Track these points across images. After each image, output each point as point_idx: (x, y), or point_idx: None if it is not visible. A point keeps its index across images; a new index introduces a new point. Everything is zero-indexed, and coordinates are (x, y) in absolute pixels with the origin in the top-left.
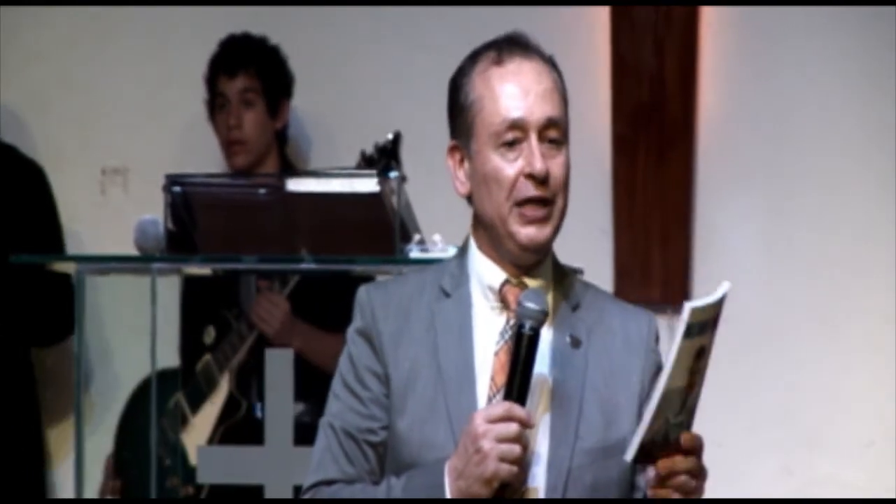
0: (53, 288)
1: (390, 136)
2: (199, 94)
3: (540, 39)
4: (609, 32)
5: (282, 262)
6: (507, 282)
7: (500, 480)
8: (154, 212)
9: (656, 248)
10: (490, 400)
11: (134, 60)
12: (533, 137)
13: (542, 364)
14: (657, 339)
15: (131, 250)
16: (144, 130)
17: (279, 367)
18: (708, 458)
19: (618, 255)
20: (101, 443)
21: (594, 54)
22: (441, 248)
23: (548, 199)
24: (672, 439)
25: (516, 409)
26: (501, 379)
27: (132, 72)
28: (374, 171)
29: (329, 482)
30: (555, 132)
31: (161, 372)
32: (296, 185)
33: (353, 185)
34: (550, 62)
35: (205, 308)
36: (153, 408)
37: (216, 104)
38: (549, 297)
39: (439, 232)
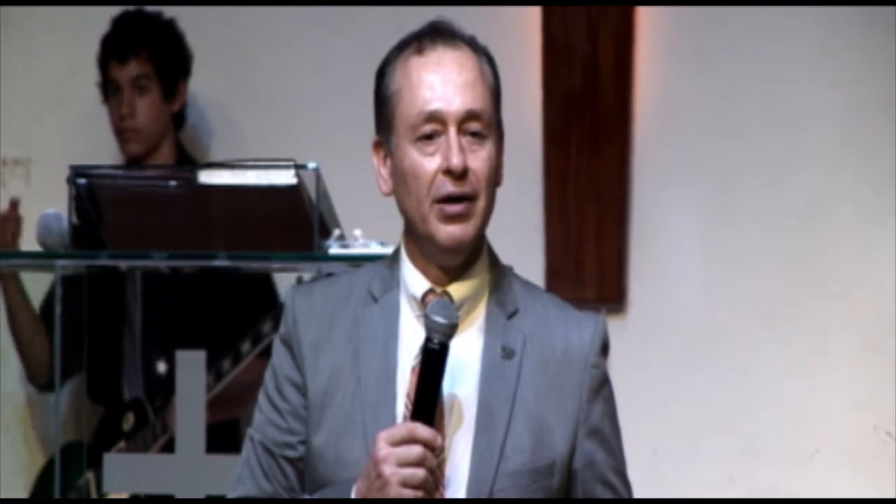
0: None
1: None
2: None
3: (467, 20)
4: (540, 13)
5: (193, 258)
6: (430, 291)
7: None
8: (58, 205)
9: (590, 245)
10: (404, 419)
11: (37, 45)
12: (452, 130)
13: (471, 377)
14: (604, 348)
15: (34, 246)
16: (47, 119)
17: (190, 370)
18: (644, 466)
19: (549, 251)
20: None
21: (524, 37)
22: (362, 243)
23: (468, 195)
24: None
25: (419, 430)
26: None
27: (34, 57)
28: (290, 162)
29: (246, 500)
30: (477, 125)
31: (68, 444)
32: (208, 177)
33: (269, 177)
34: (481, 52)
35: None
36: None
37: (108, 89)
38: (482, 304)
39: (360, 227)
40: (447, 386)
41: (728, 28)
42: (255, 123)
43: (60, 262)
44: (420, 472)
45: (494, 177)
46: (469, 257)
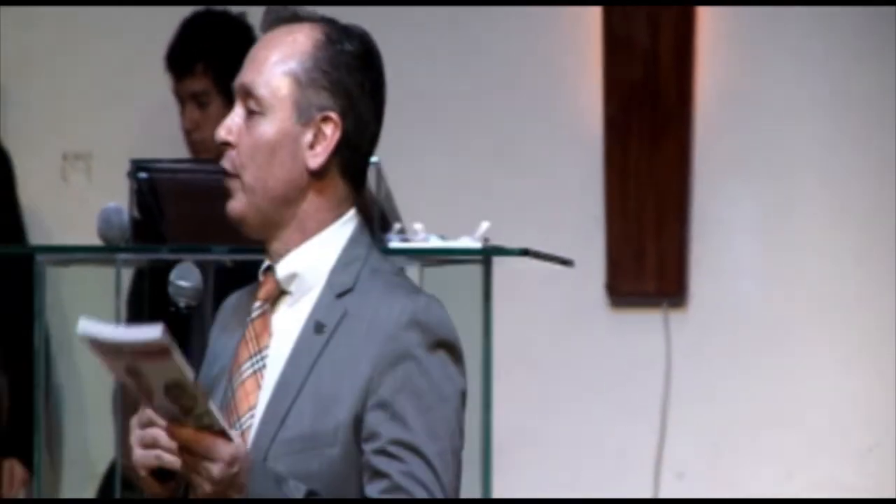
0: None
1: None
2: (165, 76)
3: (528, 13)
4: (601, 6)
5: (253, 252)
6: (267, 268)
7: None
8: (118, 199)
9: (651, 238)
10: (224, 396)
11: (98, 40)
12: (238, 103)
13: (284, 351)
14: (414, 325)
15: (94, 240)
16: (108, 113)
17: None
18: (706, 462)
19: (610, 244)
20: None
21: (585, 30)
22: (423, 237)
23: (226, 170)
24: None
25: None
26: (236, 371)
27: (96, 52)
28: None
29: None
30: (252, 102)
31: None
32: None
33: None
34: (324, 37)
35: None
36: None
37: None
38: (321, 283)
39: (421, 220)
40: (269, 361)
41: (789, 20)
42: None
43: (121, 256)
44: (138, 452)
45: (269, 154)
46: (294, 235)
